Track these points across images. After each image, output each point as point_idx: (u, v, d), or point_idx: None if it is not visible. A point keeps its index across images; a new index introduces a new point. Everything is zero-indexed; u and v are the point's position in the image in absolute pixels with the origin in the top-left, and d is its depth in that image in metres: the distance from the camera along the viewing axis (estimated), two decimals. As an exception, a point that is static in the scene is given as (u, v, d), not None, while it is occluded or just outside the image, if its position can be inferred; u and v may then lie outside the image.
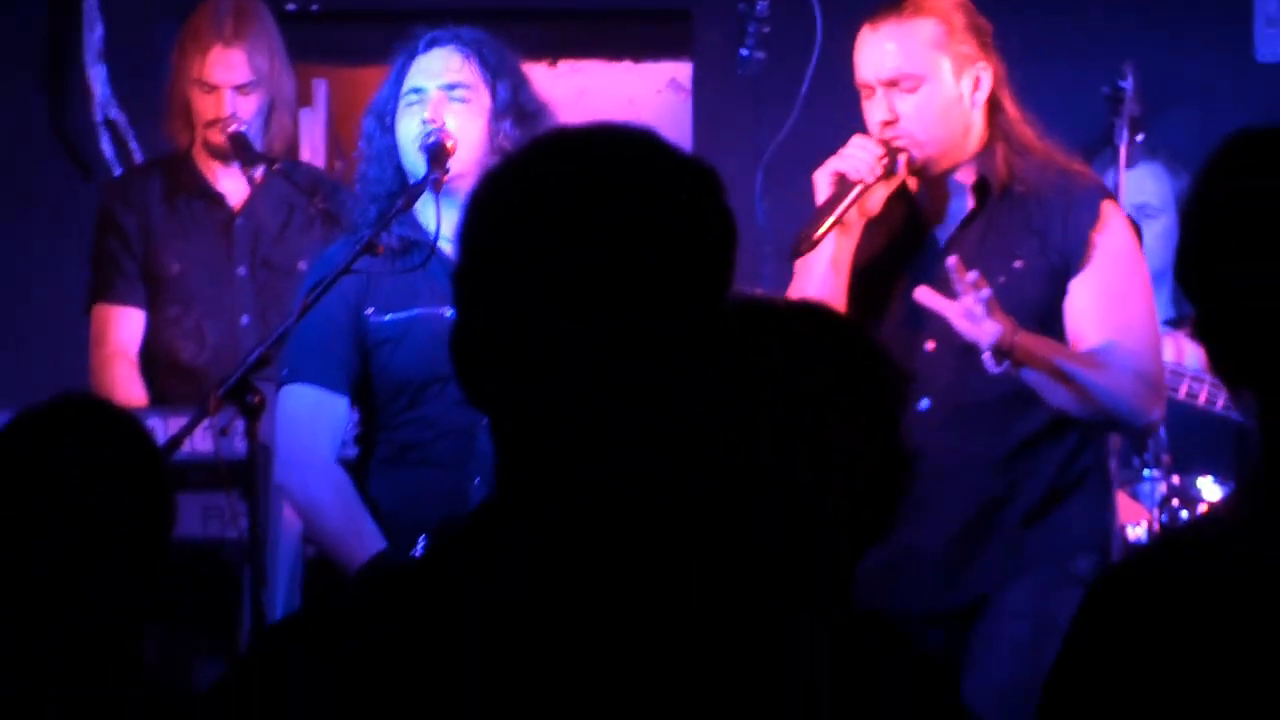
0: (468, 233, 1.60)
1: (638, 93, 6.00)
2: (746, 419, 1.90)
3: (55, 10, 5.30)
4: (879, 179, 3.41)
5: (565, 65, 5.81)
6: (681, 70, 5.72)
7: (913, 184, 3.52)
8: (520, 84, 3.67)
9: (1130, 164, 4.11)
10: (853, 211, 3.42)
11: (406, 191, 3.59)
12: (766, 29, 4.59)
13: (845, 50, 4.69)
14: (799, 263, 3.47)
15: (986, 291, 3.25)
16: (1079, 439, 3.47)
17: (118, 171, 5.13)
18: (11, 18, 5.30)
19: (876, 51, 3.45)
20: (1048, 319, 3.42)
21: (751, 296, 1.61)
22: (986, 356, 3.29)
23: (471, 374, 1.58)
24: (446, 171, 3.55)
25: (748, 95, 4.91)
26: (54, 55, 5.32)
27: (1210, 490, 3.97)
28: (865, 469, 2.01)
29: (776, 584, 1.55)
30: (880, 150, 3.41)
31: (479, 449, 3.55)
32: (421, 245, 3.59)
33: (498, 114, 3.63)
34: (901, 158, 3.43)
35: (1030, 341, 3.32)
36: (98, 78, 5.25)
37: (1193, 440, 4.08)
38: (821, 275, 3.46)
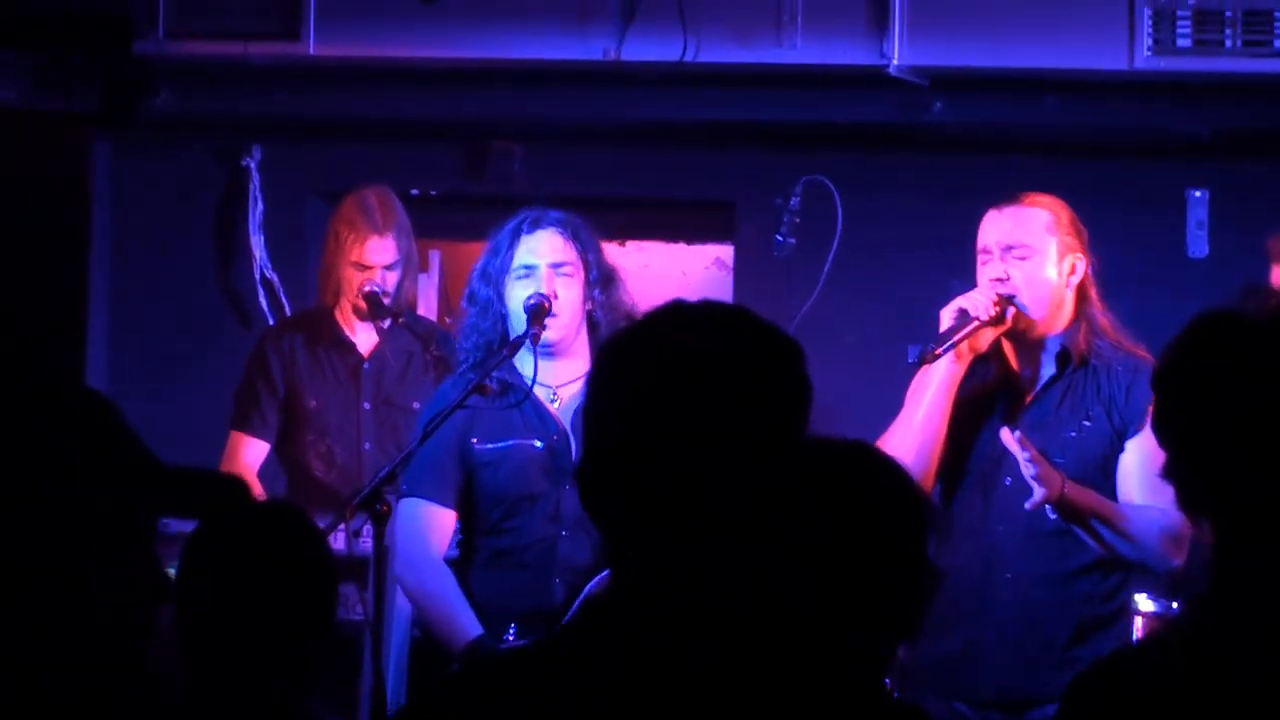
0: (595, 381, 1.73)
1: (690, 269, 6.43)
2: (806, 539, 1.93)
3: (226, 191, 5.85)
4: (991, 319, 3.84)
5: (631, 245, 6.24)
6: (725, 251, 6.15)
7: (1009, 349, 3.92)
8: (601, 255, 4.06)
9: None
10: (965, 344, 3.84)
11: (509, 343, 3.93)
12: (798, 220, 5.20)
13: (861, 240, 5.31)
14: (921, 374, 3.88)
15: (1034, 469, 3.63)
16: (1121, 577, 3.83)
17: (271, 322, 5.65)
18: (190, 198, 5.85)
19: (1000, 224, 3.89)
20: (1107, 468, 3.83)
21: (811, 437, 1.71)
22: (1041, 504, 3.67)
23: (591, 494, 1.71)
24: (544, 328, 3.91)
25: (780, 273, 5.31)
26: (223, 226, 5.85)
27: (1145, 604, 4.18)
28: (897, 582, 2.06)
29: (825, 674, 1.70)
30: (995, 297, 3.85)
31: (559, 555, 3.91)
32: (516, 388, 3.96)
33: (590, 283, 4.02)
34: (1011, 309, 3.85)
35: (1078, 496, 3.69)
36: (258, 245, 5.80)
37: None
38: (935, 388, 3.87)
